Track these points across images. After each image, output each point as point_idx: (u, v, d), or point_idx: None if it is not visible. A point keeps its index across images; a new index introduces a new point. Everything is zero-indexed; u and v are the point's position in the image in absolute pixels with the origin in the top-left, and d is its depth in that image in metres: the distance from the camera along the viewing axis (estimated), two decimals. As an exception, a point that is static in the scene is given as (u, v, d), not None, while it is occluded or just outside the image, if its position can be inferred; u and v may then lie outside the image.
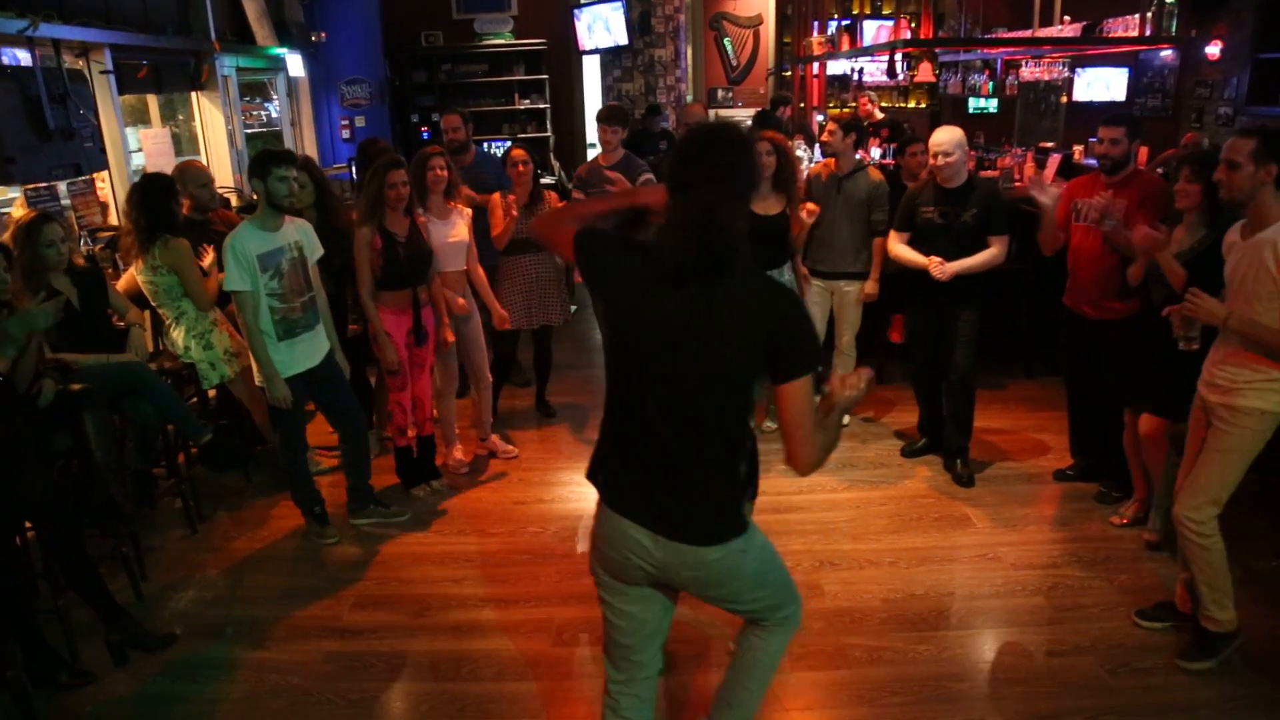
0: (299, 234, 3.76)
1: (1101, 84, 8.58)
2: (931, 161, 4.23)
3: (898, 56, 7.63)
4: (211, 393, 4.32)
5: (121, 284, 4.18)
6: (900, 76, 7.94)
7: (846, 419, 4.97)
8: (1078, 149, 7.45)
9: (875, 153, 7.58)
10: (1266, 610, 3.32)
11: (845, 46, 8.99)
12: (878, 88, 10.61)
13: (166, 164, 5.07)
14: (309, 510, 4.01)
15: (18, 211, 4.19)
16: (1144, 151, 5.73)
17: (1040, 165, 6.83)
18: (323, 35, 8.43)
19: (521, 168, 4.71)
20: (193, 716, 2.96)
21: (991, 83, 9.32)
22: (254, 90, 7.89)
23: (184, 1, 6.21)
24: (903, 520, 4.06)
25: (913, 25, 9.60)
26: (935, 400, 4.56)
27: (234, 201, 5.96)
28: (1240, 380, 2.84)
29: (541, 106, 10.30)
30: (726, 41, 12.00)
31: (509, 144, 7.92)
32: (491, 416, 4.89)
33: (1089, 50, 8.01)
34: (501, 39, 10.16)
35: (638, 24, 10.04)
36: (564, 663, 3.16)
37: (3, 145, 4.00)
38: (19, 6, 4.23)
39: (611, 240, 2.08)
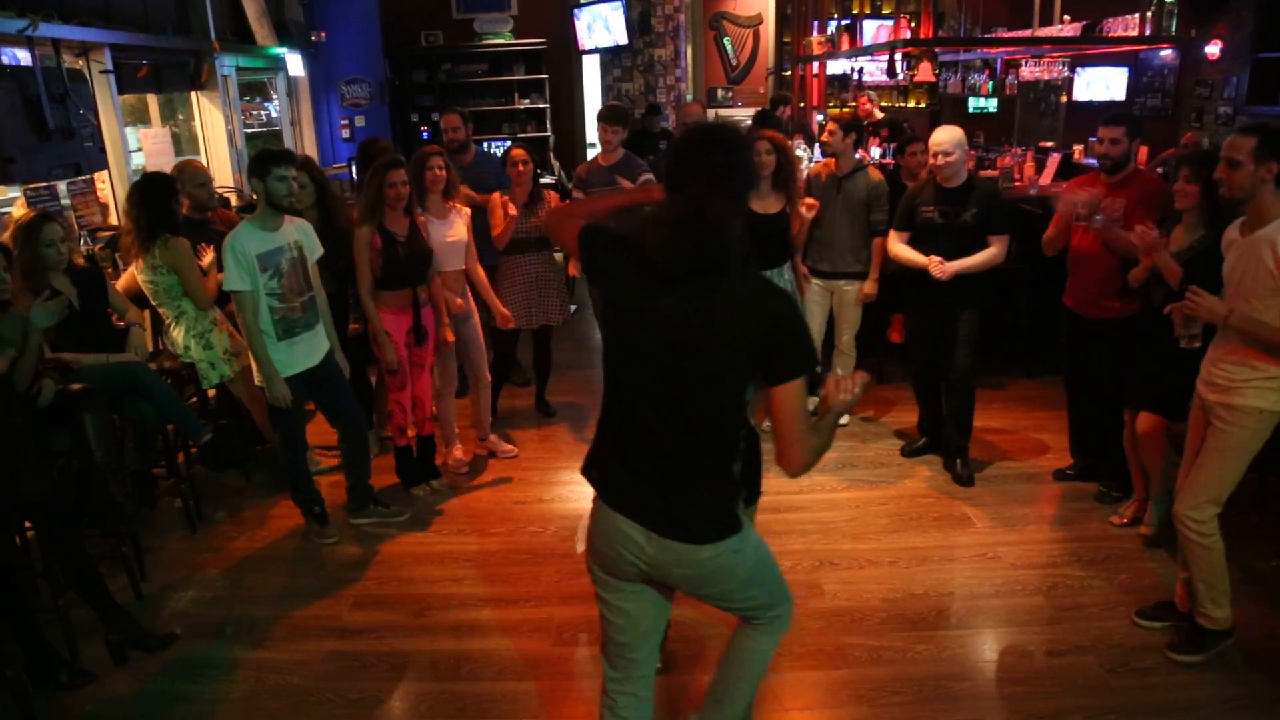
0: (299, 234, 3.76)
1: (1101, 84, 8.58)
2: (931, 161, 4.23)
3: (897, 56, 7.63)
4: (211, 392, 4.32)
5: (121, 283, 4.18)
6: (900, 76, 7.94)
7: (845, 419, 4.97)
8: (1077, 149, 7.45)
9: (875, 152, 7.58)
10: (1266, 610, 3.32)
11: (845, 46, 8.98)
12: (877, 87, 10.61)
13: (166, 164, 5.07)
14: (309, 510, 4.01)
15: (18, 211, 4.19)
16: (1144, 151, 5.73)
17: (1040, 165, 6.84)
18: (322, 35, 8.43)
19: (521, 167, 4.71)
20: (193, 716, 2.96)
21: (991, 82, 9.31)
22: (254, 90, 7.89)
23: (184, 1, 6.20)
24: (902, 520, 4.06)
25: (912, 25, 9.60)
26: (935, 400, 4.56)
27: (234, 201, 5.96)
28: (1238, 379, 2.84)
29: (541, 106, 10.30)
30: (726, 41, 12.00)
31: (509, 144, 7.92)
32: (491, 416, 4.89)
33: (1089, 50, 8.01)
34: (501, 39, 10.16)
35: (637, 23, 10.04)
36: (564, 662, 3.16)
37: (3, 145, 3.99)
38: (19, 6, 4.22)
39: (613, 238, 2.09)
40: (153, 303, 4.06)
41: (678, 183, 1.98)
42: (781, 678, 2.94)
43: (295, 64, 7.96)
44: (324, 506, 4.04)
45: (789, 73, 10.69)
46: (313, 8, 8.39)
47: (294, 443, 3.91)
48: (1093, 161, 4.92)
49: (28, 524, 3.24)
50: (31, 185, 4.37)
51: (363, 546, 3.96)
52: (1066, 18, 7.66)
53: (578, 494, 4.30)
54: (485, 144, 8.97)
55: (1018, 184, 6.50)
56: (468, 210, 4.49)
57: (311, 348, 3.79)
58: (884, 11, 10.86)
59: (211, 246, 4.12)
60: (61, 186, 4.66)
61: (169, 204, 3.98)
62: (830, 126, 4.69)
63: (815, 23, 9.80)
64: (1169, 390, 3.42)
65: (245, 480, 4.54)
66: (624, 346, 2.04)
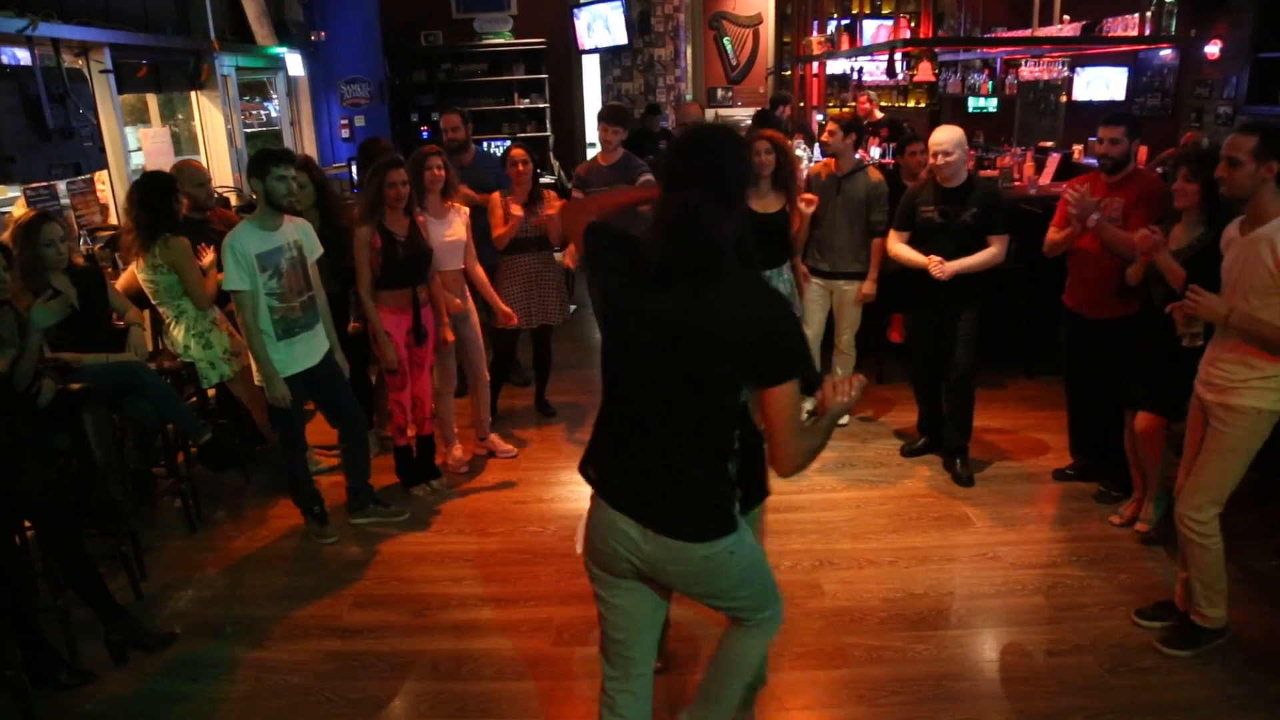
0: (298, 233, 3.76)
1: (1101, 83, 8.58)
2: (931, 161, 4.23)
3: (897, 56, 7.63)
4: (211, 392, 4.31)
5: (121, 282, 4.18)
6: (900, 76, 7.94)
7: (845, 419, 4.97)
8: (1077, 148, 7.45)
9: (875, 152, 7.58)
10: (1266, 609, 3.32)
11: (845, 46, 8.98)
12: (877, 87, 10.60)
13: (166, 163, 5.07)
14: (308, 510, 4.01)
15: (18, 211, 4.19)
16: (1143, 151, 5.73)
17: (1039, 165, 6.84)
18: (322, 34, 8.42)
19: (521, 167, 4.72)
20: (192, 716, 2.96)
21: (991, 82, 9.31)
22: (253, 89, 7.89)
23: (183, 1, 6.20)
24: (902, 520, 4.06)
25: (912, 24, 9.60)
26: (935, 399, 4.56)
27: (233, 201, 5.96)
28: (1236, 379, 2.84)
29: (541, 106, 10.29)
30: (726, 41, 11.99)
31: (509, 143, 7.93)
32: (490, 416, 4.89)
33: (1088, 50, 8.01)
34: (501, 38, 10.16)
35: (637, 23, 10.04)
36: (563, 662, 3.16)
37: (2, 144, 3.99)
38: (18, 5, 4.22)
39: (614, 237, 2.10)
40: (153, 302, 4.06)
41: (674, 183, 1.99)
42: (781, 677, 2.94)
43: (295, 64, 7.96)
44: (324, 506, 4.04)
45: (789, 72, 10.68)
46: (312, 7, 8.38)
47: (294, 442, 3.91)
48: (1092, 161, 4.93)
49: (27, 523, 3.23)
50: (31, 185, 4.37)
51: (362, 546, 3.96)
52: (1066, 18, 7.66)
53: (577, 494, 4.30)
54: (485, 144, 8.97)
55: (1017, 184, 6.50)
56: (466, 210, 4.50)
57: (311, 347, 3.79)
58: (884, 11, 10.85)
59: (212, 247, 4.12)
60: (61, 186, 4.66)
61: (169, 203, 3.98)
62: (830, 126, 4.69)
63: (815, 23, 9.79)
64: (1168, 390, 3.42)
65: (245, 480, 4.54)
66: (621, 345, 2.06)
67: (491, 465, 4.72)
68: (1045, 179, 6.58)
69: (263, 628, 3.38)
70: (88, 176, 4.81)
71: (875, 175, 4.65)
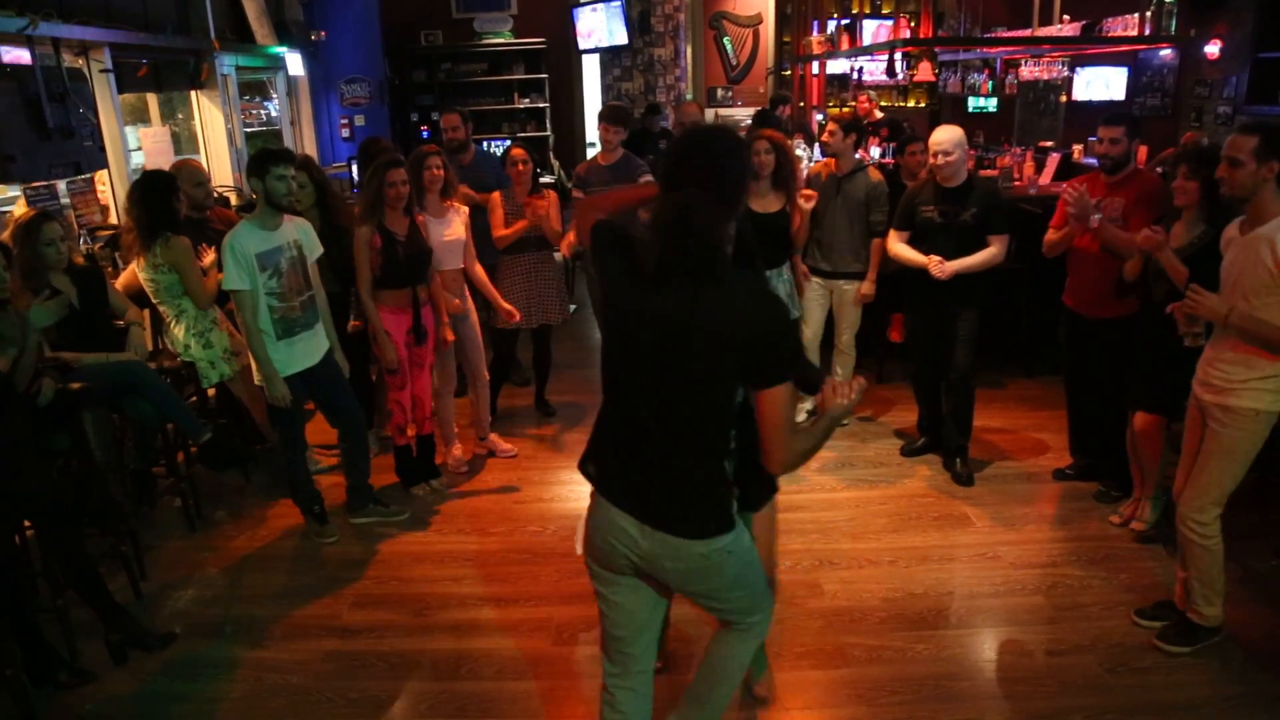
0: (298, 233, 3.76)
1: (1101, 83, 8.58)
2: (931, 161, 4.23)
3: (897, 56, 7.63)
4: (211, 392, 4.31)
5: (121, 281, 4.18)
6: (900, 76, 7.93)
7: (847, 420, 4.97)
8: (1077, 148, 7.45)
9: (875, 152, 7.58)
10: (1266, 609, 3.32)
11: (845, 45, 8.98)
12: (877, 87, 10.60)
13: (165, 163, 5.07)
14: (308, 509, 4.01)
15: (18, 210, 4.19)
16: (1143, 151, 5.73)
17: (1039, 165, 6.84)
18: (322, 34, 8.42)
19: (521, 167, 4.71)
20: (192, 715, 2.96)
21: (991, 82, 9.31)
22: (253, 89, 7.89)
23: (183, 0, 6.20)
24: (902, 519, 4.06)
25: (912, 24, 9.59)
26: (935, 399, 4.56)
27: (233, 200, 5.96)
28: (1235, 379, 2.84)
29: (541, 105, 10.29)
30: (726, 40, 11.99)
31: (508, 143, 7.92)
32: (490, 415, 4.89)
33: (1088, 49, 8.01)
34: (501, 38, 10.16)
35: (637, 23, 10.04)
36: (563, 662, 3.16)
37: (2, 144, 3.99)
38: (18, 5, 4.22)
39: (618, 235, 2.11)
40: (153, 301, 4.06)
41: (672, 184, 2.00)
42: (781, 677, 2.94)
43: (295, 63, 7.96)
44: (323, 506, 4.05)
45: (789, 72, 10.68)
46: (312, 7, 8.38)
47: (293, 442, 3.91)
48: (1092, 161, 4.93)
49: (27, 523, 3.23)
50: (31, 184, 4.37)
51: (362, 546, 3.96)
52: (1066, 17, 7.66)
53: (577, 493, 4.30)
54: (485, 143, 8.97)
55: (1017, 184, 6.50)
56: (465, 209, 4.50)
57: (311, 347, 3.79)
58: (884, 11, 10.85)
59: (213, 246, 4.12)
60: (61, 185, 4.66)
61: (170, 202, 3.98)
62: (831, 127, 4.69)
63: (815, 22, 9.80)
64: (1168, 389, 3.42)
65: (245, 480, 4.54)
66: (619, 344, 2.08)
67: (491, 465, 4.72)
68: (1045, 179, 6.58)
69: (262, 627, 3.38)
70: (88, 176, 4.81)
71: (875, 175, 4.65)
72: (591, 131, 9.87)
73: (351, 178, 7.13)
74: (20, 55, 4.25)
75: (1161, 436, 3.65)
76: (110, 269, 4.44)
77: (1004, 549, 3.79)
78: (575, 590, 3.52)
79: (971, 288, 4.22)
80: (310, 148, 8.33)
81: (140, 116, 6.25)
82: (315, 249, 3.85)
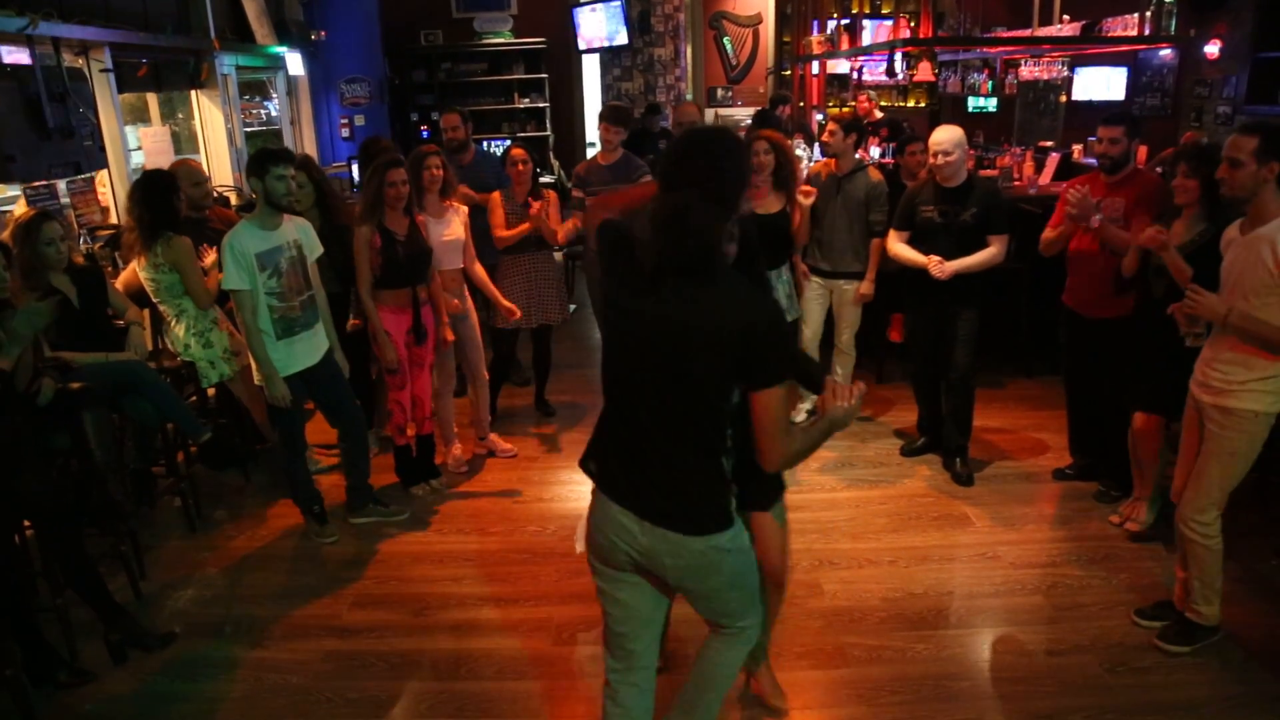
0: (298, 232, 3.76)
1: (1101, 83, 8.58)
2: (931, 160, 4.23)
3: (897, 55, 7.62)
4: (211, 391, 4.31)
5: (121, 280, 4.18)
6: (899, 75, 7.93)
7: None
8: (1077, 148, 7.44)
9: (875, 152, 7.58)
10: (1266, 609, 3.33)
11: (845, 45, 8.98)
12: (877, 87, 10.60)
13: (165, 162, 5.07)
14: (308, 509, 4.01)
15: (18, 210, 4.19)
16: (1143, 151, 5.73)
17: (1039, 165, 6.83)
18: (322, 34, 8.42)
19: (521, 166, 4.71)
20: (192, 715, 2.96)
21: (991, 82, 9.31)
22: (253, 89, 7.89)
23: (183, 0, 6.20)
24: (902, 519, 4.06)
25: (912, 24, 9.58)
26: (935, 399, 4.56)
27: (233, 200, 5.96)
28: (1234, 380, 2.84)
29: (541, 105, 10.29)
30: (726, 40, 11.99)
31: (508, 143, 7.92)
32: (490, 415, 4.89)
33: (1088, 49, 8.01)
34: (501, 38, 10.16)
35: (637, 23, 10.04)
36: (563, 661, 3.16)
37: (2, 144, 3.99)
38: (18, 5, 4.22)
39: (620, 235, 2.11)
40: (154, 300, 4.06)
41: (671, 184, 2.00)
42: (782, 677, 2.94)
43: (295, 63, 7.96)
44: (323, 505, 4.04)
45: (789, 72, 10.68)
46: (312, 7, 8.38)
47: (293, 442, 3.91)
48: (1092, 161, 4.93)
49: (27, 523, 3.23)
50: (31, 184, 4.37)
51: (362, 546, 3.96)
52: (1066, 17, 7.66)
53: (577, 493, 4.30)
54: (485, 143, 8.97)
55: (1017, 183, 6.50)
56: (465, 209, 4.50)
57: (311, 347, 3.79)
58: (883, 11, 10.85)
59: (214, 247, 4.12)
60: (61, 185, 4.66)
61: (171, 202, 3.98)
62: (831, 126, 4.68)
63: (815, 22, 9.80)
64: (1168, 389, 3.42)
65: (245, 479, 4.54)
66: (618, 343, 2.11)
67: (491, 465, 4.72)
68: (1045, 179, 6.58)
69: (262, 627, 3.38)
70: (88, 176, 4.81)
71: (875, 175, 4.65)
72: (591, 131, 9.87)
73: (351, 178, 7.13)
74: (20, 55, 4.24)
75: (1160, 436, 3.66)
76: (110, 269, 4.44)
77: (1004, 549, 3.79)
78: (575, 590, 3.52)
79: (971, 288, 4.22)
80: (310, 148, 8.33)
81: (140, 116, 6.25)
82: (315, 249, 3.85)
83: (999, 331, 5.01)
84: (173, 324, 4.07)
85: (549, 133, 10.30)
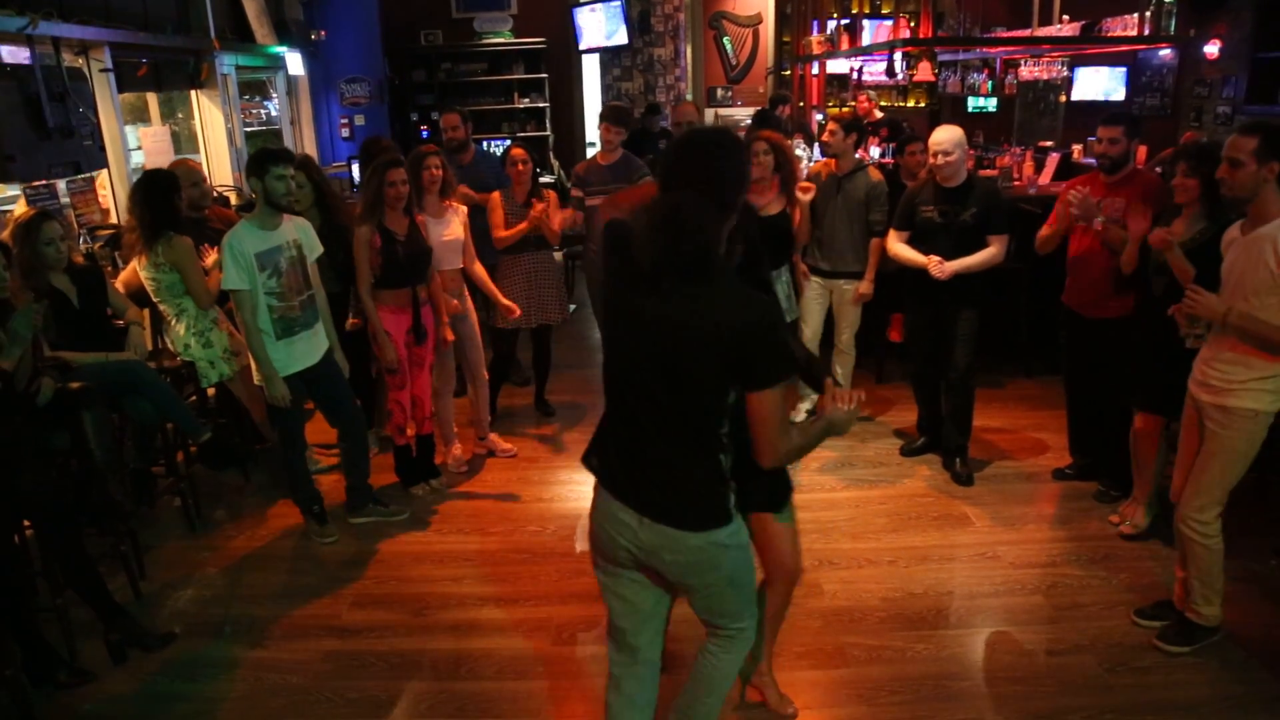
0: (298, 232, 3.76)
1: (1100, 83, 8.58)
2: (931, 160, 4.23)
3: (897, 55, 7.63)
4: (210, 391, 4.31)
5: (121, 279, 4.18)
6: (899, 75, 7.94)
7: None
8: (1076, 148, 7.44)
9: (875, 152, 7.58)
10: (1265, 609, 3.33)
11: (844, 45, 8.98)
12: (877, 87, 10.60)
13: (165, 162, 5.07)
14: (308, 509, 4.01)
15: (18, 210, 4.19)
16: (1143, 151, 5.73)
17: (1039, 165, 6.83)
18: (322, 34, 8.42)
19: (521, 166, 4.71)
20: (192, 715, 2.96)
21: (990, 82, 9.30)
22: (253, 89, 7.89)
23: (183, 0, 6.20)
24: (902, 519, 4.06)
25: (912, 24, 9.59)
26: (934, 399, 4.56)
27: (233, 200, 5.96)
28: (1234, 380, 2.84)
29: (541, 105, 10.29)
30: (726, 40, 11.99)
31: (508, 143, 7.92)
32: (490, 415, 4.90)
33: (1088, 49, 8.01)
34: (501, 38, 10.15)
35: (637, 23, 10.04)
36: (563, 661, 3.16)
37: (2, 143, 3.99)
38: (18, 4, 4.22)
39: (623, 235, 2.12)
40: (154, 299, 4.06)
41: (670, 184, 2.01)
42: (782, 677, 2.94)
43: (295, 63, 7.96)
44: (323, 505, 4.04)
45: (788, 72, 10.68)
46: (312, 6, 8.38)
47: (293, 442, 3.91)
48: (1092, 161, 4.93)
49: (27, 523, 3.23)
50: (31, 184, 4.37)
51: (362, 546, 3.96)
52: (1065, 17, 7.66)
53: (577, 493, 4.30)
54: (485, 143, 8.96)
55: (1017, 183, 6.50)
56: (464, 209, 4.50)
57: (310, 347, 3.79)
58: (883, 11, 10.85)
59: (215, 246, 4.12)
60: (61, 185, 4.66)
61: (173, 201, 3.98)
62: (831, 126, 4.68)
63: (815, 22, 9.80)
64: (1168, 389, 3.42)
65: (244, 479, 4.54)
66: (617, 342, 2.13)
67: (491, 465, 4.72)
68: (1044, 179, 6.58)
69: (262, 627, 3.38)
70: (88, 175, 4.81)
71: (875, 175, 4.65)
72: (591, 131, 9.87)
73: (351, 177, 7.13)
74: (20, 55, 4.25)
75: (1160, 437, 3.65)
76: (110, 268, 4.44)
77: (1004, 549, 3.79)
78: (575, 590, 3.52)
79: (971, 288, 4.22)
80: (310, 147, 8.33)
81: (140, 116, 6.25)
82: (315, 248, 3.85)
83: (999, 331, 5.00)
84: (173, 323, 4.07)
85: (549, 133, 10.30)
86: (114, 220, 4.98)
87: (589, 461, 2.22)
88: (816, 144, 7.09)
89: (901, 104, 11.44)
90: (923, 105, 11.34)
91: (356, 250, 3.99)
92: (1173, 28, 6.61)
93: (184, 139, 6.56)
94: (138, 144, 5.67)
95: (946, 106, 10.60)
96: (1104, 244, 3.79)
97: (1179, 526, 3.05)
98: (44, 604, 3.12)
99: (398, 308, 4.10)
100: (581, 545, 3.87)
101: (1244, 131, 2.79)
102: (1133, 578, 3.54)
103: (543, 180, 5.09)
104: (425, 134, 9.81)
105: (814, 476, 4.43)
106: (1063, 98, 9.21)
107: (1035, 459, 4.62)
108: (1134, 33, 6.75)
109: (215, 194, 5.03)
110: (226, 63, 6.72)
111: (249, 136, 7.19)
